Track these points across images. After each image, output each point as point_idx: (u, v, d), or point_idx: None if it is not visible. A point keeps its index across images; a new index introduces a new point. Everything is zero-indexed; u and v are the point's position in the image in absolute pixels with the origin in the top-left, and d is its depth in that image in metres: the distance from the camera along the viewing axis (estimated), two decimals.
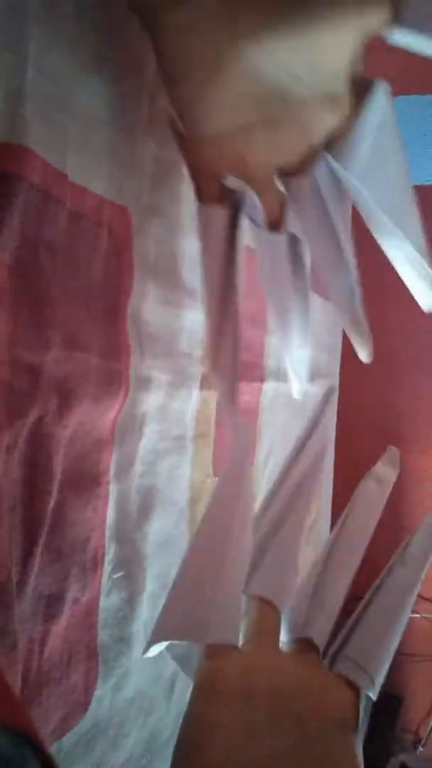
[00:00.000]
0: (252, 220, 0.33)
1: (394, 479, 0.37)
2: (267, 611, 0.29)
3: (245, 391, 0.60)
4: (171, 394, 0.44)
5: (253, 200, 0.32)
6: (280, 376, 0.69)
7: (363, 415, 1.35)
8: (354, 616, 0.29)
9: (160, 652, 0.30)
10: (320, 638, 0.28)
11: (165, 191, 0.41)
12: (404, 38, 0.28)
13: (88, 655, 0.37)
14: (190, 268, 0.46)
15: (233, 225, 0.33)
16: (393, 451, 0.38)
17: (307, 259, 0.35)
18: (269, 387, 0.66)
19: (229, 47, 0.25)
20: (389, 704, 1.29)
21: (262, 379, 0.64)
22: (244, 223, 0.33)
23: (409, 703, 1.34)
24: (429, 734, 1.32)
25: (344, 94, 0.28)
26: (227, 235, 0.33)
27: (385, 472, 0.37)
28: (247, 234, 0.34)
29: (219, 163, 0.30)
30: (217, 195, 0.31)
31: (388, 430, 1.42)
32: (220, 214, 0.32)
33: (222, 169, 0.30)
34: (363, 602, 0.30)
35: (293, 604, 0.30)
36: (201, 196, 0.32)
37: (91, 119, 0.33)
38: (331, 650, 0.28)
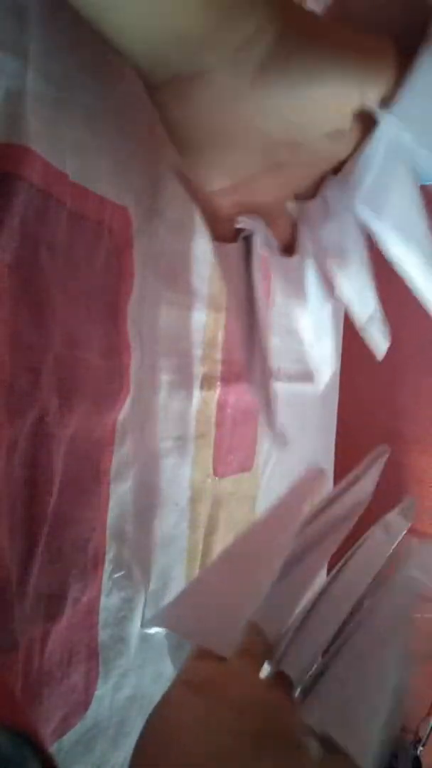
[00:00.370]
0: (266, 246, 0.35)
1: (404, 530, 0.36)
2: (257, 635, 0.30)
3: (247, 391, 0.60)
4: (171, 394, 0.44)
5: (265, 230, 0.33)
6: (281, 376, 0.69)
7: (363, 414, 1.34)
8: (326, 658, 0.29)
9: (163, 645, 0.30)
10: (297, 675, 0.28)
11: (165, 191, 0.41)
12: (391, 126, 0.28)
13: (89, 655, 0.37)
14: (191, 268, 0.46)
15: (248, 253, 0.35)
16: (410, 501, 0.37)
17: (319, 274, 0.37)
18: (270, 387, 0.66)
19: (237, 118, 0.26)
20: None
21: None
22: (257, 250, 0.35)
23: (409, 703, 1.33)
24: (429, 734, 1.32)
25: (350, 128, 0.28)
26: (244, 264, 0.35)
27: (396, 522, 0.36)
28: (260, 257, 0.36)
29: (230, 209, 0.31)
30: (230, 235, 0.33)
31: (389, 429, 1.42)
32: (234, 250, 0.34)
33: (233, 214, 0.32)
34: (339, 638, 0.29)
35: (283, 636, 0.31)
36: (215, 236, 0.34)
37: (92, 119, 0.33)
38: (303, 685, 0.28)
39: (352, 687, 0.27)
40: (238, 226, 0.32)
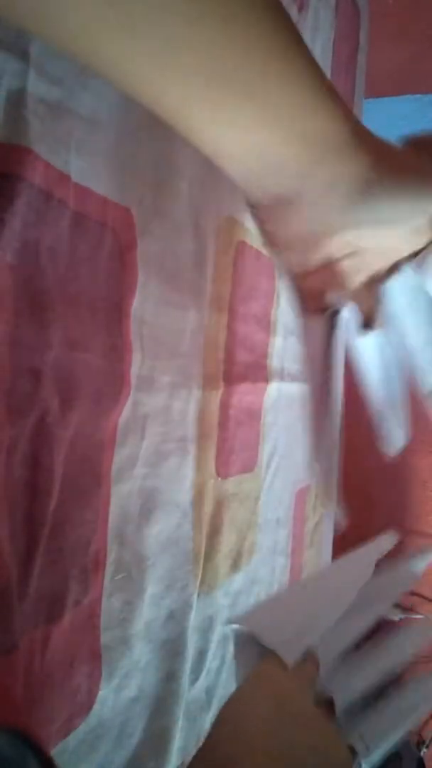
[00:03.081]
0: (350, 321, 0.38)
1: (419, 574, 0.41)
2: (312, 665, 0.34)
3: (250, 391, 0.60)
4: (173, 395, 0.44)
5: (350, 306, 0.37)
6: (284, 376, 0.69)
7: (366, 415, 1.34)
8: (379, 693, 0.34)
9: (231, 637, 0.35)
10: (340, 704, 0.33)
11: (168, 192, 0.41)
12: None
13: (91, 657, 0.37)
14: (194, 269, 0.46)
15: (331, 327, 0.38)
16: (428, 548, 0.41)
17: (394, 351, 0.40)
18: (273, 387, 0.66)
19: (326, 232, 0.30)
20: None
21: (266, 380, 0.64)
22: (341, 325, 0.38)
23: None
24: None
25: (427, 223, 0.32)
26: (326, 337, 0.38)
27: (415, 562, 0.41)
28: (343, 334, 0.39)
29: (319, 287, 0.35)
30: (317, 308, 0.37)
31: None
32: (319, 322, 0.37)
33: (321, 291, 0.35)
34: (389, 691, 0.34)
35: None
36: (303, 310, 0.37)
37: (94, 120, 0.33)
38: (345, 710, 0.33)
39: (394, 726, 0.33)
40: (327, 300, 0.36)
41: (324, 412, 0.41)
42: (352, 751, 0.30)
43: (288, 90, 0.24)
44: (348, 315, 0.37)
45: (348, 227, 0.29)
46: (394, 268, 0.34)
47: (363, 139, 0.28)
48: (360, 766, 0.30)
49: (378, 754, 0.31)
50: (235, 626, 0.34)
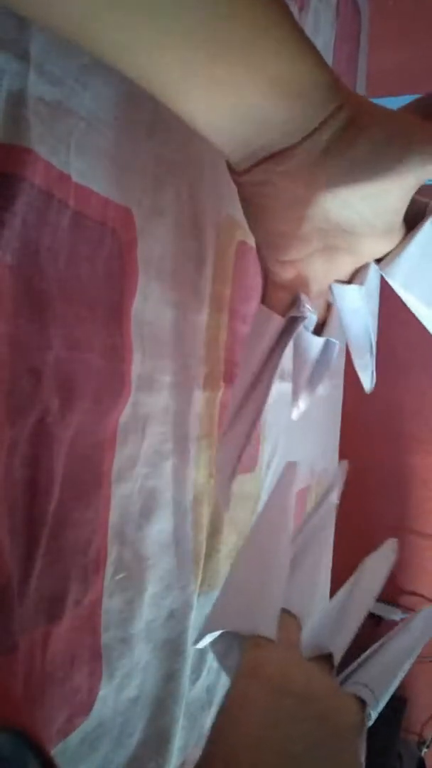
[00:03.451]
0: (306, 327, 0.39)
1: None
2: (292, 623, 0.34)
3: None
4: (173, 395, 0.44)
5: (315, 316, 0.38)
6: (284, 376, 0.69)
7: (369, 415, 1.34)
8: (374, 648, 0.34)
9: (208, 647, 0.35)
10: (338, 656, 0.32)
11: (168, 192, 0.41)
12: None
13: (92, 657, 0.37)
14: (193, 269, 0.46)
15: (285, 332, 0.39)
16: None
17: (333, 357, 0.43)
18: (273, 388, 0.66)
19: (309, 203, 0.29)
20: (393, 705, 1.28)
21: None
22: (294, 333, 0.39)
23: (413, 704, 1.33)
24: None
25: (400, 226, 0.32)
26: (276, 339, 0.39)
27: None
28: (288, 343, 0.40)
29: (287, 279, 0.35)
30: (279, 305, 0.37)
31: (394, 430, 1.42)
32: (276, 322, 0.38)
33: (286, 283, 0.36)
34: (383, 639, 0.34)
35: (315, 621, 0.35)
36: (265, 298, 0.38)
37: (94, 120, 0.33)
38: (346, 671, 0.32)
39: (393, 670, 0.32)
40: (298, 305, 0.36)
41: (244, 405, 0.42)
42: (359, 702, 0.30)
43: (260, 37, 0.24)
44: (305, 319, 0.37)
45: (329, 188, 0.28)
46: (355, 274, 0.35)
47: (344, 89, 0.27)
48: (369, 716, 0.30)
49: (384, 699, 0.31)
50: (203, 641, 0.34)
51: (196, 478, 0.49)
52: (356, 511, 1.11)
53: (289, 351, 0.41)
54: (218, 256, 0.50)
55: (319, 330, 0.41)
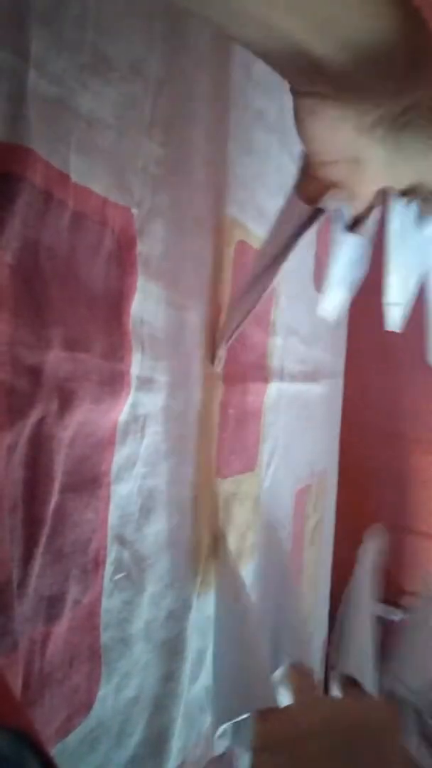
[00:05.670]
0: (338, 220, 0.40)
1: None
2: (304, 673, 0.36)
3: (250, 391, 0.60)
4: (173, 395, 0.44)
5: (348, 209, 0.39)
6: (284, 376, 0.69)
7: (368, 415, 1.34)
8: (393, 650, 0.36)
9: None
10: (358, 673, 0.34)
11: (168, 192, 0.41)
12: None
13: (91, 656, 0.37)
14: (193, 269, 0.46)
15: (309, 220, 0.40)
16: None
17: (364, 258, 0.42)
18: (273, 388, 0.66)
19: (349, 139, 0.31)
20: None
21: (266, 380, 0.64)
22: (316, 223, 0.40)
23: None
24: None
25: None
26: (298, 226, 0.40)
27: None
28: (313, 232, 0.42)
29: (327, 181, 0.36)
30: (311, 196, 0.38)
31: (393, 429, 1.42)
32: (305, 210, 0.39)
33: (326, 185, 0.36)
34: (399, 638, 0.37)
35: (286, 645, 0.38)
36: (298, 187, 0.39)
37: (94, 120, 0.33)
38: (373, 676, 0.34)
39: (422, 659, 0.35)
40: (325, 198, 0.37)
41: (258, 279, 0.45)
42: (393, 701, 0.31)
43: None
44: (342, 212, 0.38)
45: (385, 99, 0.29)
46: (387, 196, 0.36)
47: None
48: (406, 709, 0.31)
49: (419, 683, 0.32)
50: (220, 732, 0.37)
51: (195, 478, 0.49)
52: (356, 511, 1.11)
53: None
54: (217, 256, 0.50)
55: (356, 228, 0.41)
